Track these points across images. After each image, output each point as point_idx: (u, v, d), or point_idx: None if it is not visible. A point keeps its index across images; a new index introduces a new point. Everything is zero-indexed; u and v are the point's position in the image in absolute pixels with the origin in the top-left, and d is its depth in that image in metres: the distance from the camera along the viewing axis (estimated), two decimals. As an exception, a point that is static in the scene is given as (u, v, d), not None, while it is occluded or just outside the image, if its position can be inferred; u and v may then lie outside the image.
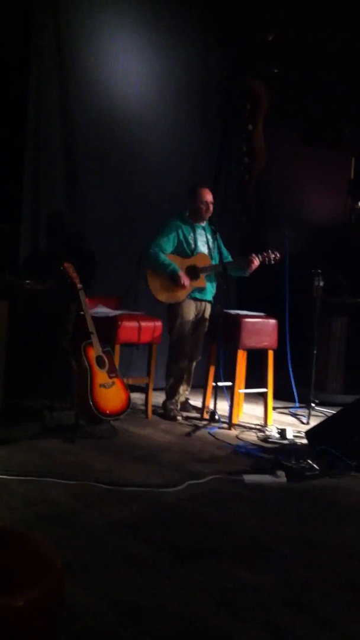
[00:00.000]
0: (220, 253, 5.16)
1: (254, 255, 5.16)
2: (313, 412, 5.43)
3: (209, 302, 5.31)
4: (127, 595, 2.32)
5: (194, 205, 5.18)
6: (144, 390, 5.21)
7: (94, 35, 5.55)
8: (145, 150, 5.90)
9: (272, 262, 5.20)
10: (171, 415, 5.14)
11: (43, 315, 5.29)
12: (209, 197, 5.16)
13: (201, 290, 5.19)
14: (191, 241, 5.17)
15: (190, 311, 5.18)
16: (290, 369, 5.51)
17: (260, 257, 5.17)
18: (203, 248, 5.21)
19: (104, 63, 5.64)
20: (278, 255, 5.20)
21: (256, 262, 5.15)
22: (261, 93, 6.99)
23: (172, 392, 5.25)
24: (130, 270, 5.66)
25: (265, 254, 5.19)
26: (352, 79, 6.19)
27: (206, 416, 5.17)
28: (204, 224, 5.26)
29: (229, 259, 5.30)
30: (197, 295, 5.19)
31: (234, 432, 4.87)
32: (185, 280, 5.03)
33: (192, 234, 5.18)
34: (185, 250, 5.15)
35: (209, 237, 5.25)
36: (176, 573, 2.51)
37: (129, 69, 5.81)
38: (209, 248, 5.23)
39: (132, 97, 5.85)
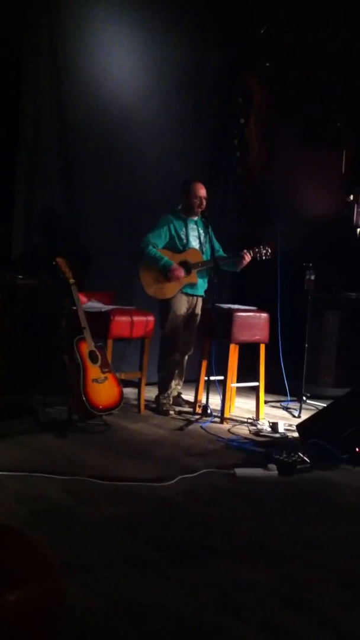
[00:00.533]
0: (211, 247, 5.15)
1: (245, 251, 5.18)
2: (304, 406, 5.45)
3: (201, 297, 5.30)
4: (127, 595, 2.31)
5: (188, 200, 5.16)
6: (136, 384, 5.20)
7: (90, 35, 5.50)
8: (142, 149, 5.87)
9: (264, 257, 5.22)
10: (163, 409, 5.14)
11: (38, 312, 5.25)
12: (202, 191, 5.14)
13: (193, 285, 5.17)
14: (183, 236, 5.15)
15: (182, 306, 5.16)
16: (282, 363, 5.52)
17: (251, 252, 5.18)
18: (195, 243, 5.19)
19: (100, 62, 5.60)
20: (269, 250, 5.21)
21: (247, 257, 5.16)
22: (254, 87, 6.95)
23: (164, 387, 5.24)
24: (127, 269, 5.64)
25: (256, 250, 5.20)
26: (352, 79, 6.17)
27: (198, 410, 5.18)
28: (196, 218, 5.24)
29: (221, 252, 5.30)
30: (189, 291, 5.18)
31: (226, 426, 4.89)
32: (179, 272, 5.01)
33: (184, 229, 5.16)
34: (176, 245, 5.13)
35: (201, 231, 5.23)
36: (176, 573, 2.51)
37: (125, 68, 5.77)
38: (200, 243, 5.21)
39: (129, 97, 5.80)
